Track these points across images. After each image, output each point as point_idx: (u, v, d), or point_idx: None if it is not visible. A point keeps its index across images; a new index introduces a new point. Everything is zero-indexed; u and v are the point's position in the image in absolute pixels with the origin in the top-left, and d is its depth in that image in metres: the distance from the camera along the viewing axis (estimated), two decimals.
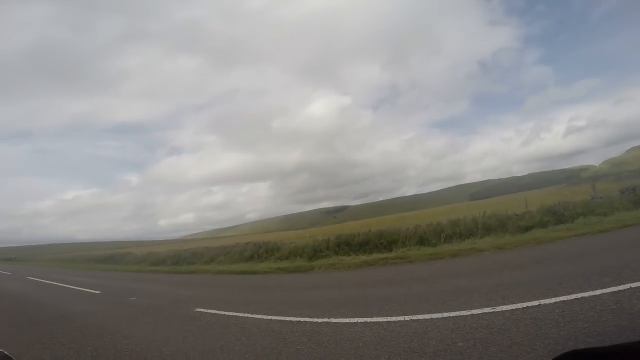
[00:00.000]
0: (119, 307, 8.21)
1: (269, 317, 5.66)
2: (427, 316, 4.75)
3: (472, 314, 4.41)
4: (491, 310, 4.40)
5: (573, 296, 4.40)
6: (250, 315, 5.91)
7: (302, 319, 5.36)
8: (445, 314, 4.66)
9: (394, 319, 4.94)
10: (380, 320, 4.96)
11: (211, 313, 6.40)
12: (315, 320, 5.26)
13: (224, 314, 6.21)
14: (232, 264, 15.56)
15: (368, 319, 5.07)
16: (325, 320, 5.23)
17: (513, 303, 4.59)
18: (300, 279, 10.54)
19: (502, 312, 4.29)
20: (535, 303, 4.40)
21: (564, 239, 9.71)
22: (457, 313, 4.58)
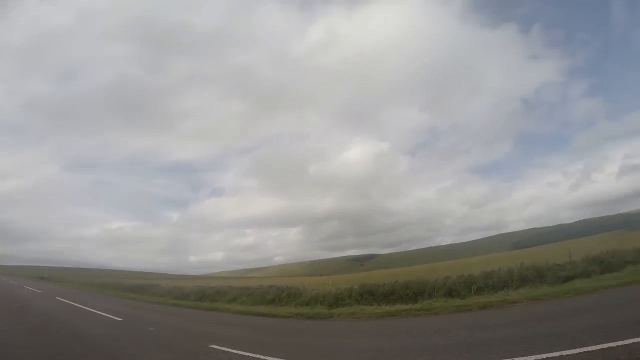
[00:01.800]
0: (137, 336, 8.43)
1: None
2: None
3: None
4: None
5: (599, 346, 4.00)
6: (261, 357, 5.85)
7: None
8: None
9: None
10: None
11: (225, 350, 6.41)
12: None
13: (237, 353, 6.20)
14: (254, 305, 15.41)
15: None
16: None
17: (534, 354, 4.25)
18: (317, 325, 10.25)
19: None
20: (557, 354, 4.04)
21: (607, 289, 8.81)
22: None
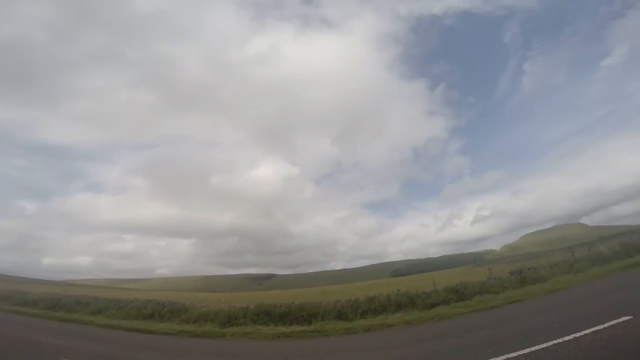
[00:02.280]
0: None
1: None
2: None
3: None
4: None
5: None
6: None
7: None
8: None
9: None
10: None
11: None
12: None
13: None
14: (125, 319, 13.57)
15: None
16: None
17: None
18: (205, 344, 9.67)
19: None
20: None
21: (461, 315, 10.84)
22: None
